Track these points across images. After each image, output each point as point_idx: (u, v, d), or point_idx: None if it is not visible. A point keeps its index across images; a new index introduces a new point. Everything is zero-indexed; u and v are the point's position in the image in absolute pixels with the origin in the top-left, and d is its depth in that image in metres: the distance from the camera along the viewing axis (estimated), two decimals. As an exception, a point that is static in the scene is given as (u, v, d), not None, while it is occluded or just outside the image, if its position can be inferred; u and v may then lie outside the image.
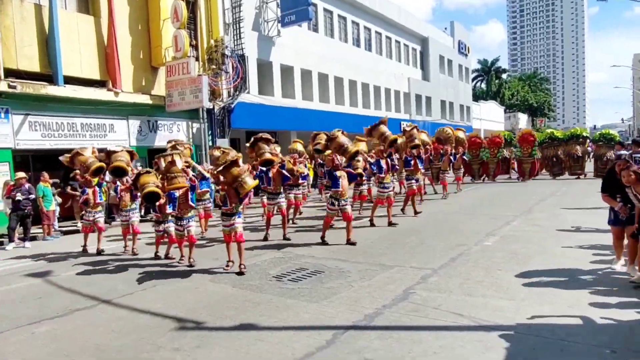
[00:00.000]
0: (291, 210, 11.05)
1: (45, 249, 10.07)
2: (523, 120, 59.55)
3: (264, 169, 8.94)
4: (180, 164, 7.36)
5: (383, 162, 10.37)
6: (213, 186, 9.68)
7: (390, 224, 10.14)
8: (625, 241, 5.84)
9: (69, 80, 12.73)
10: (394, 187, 10.71)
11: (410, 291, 5.53)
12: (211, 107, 16.53)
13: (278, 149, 10.65)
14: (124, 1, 14.40)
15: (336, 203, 8.41)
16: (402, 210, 11.62)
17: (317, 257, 7.61)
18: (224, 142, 17.28)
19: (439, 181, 16.12)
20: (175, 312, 5.22)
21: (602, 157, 19.43)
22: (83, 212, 9.53)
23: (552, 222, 9.78)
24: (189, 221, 7.42)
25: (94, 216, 9.19)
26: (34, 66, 12.18)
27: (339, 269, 6.79)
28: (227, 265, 6.91)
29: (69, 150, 13.55)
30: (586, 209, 11.16)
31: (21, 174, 10.85)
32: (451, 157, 15.92)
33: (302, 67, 21.97)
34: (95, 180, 9.12)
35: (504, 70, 72.55)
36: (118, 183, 9.10)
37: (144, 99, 14.84)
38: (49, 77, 12.36)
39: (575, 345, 3.89)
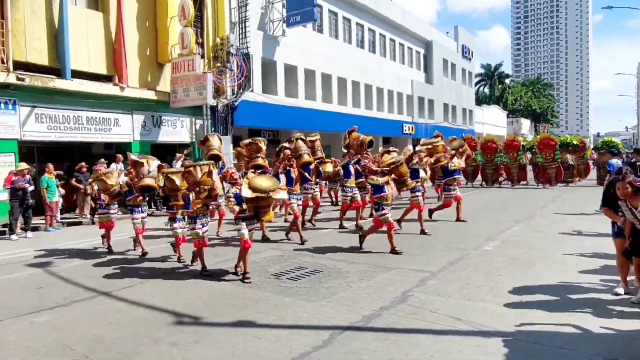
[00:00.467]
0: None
1: (47, 240, 10.20)
2: (526, 126, 59.60)
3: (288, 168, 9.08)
4: (216, 177, 6.92)
5: (352, 167, 10.30)
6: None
7: (357, 226, 10.20)
8: None
9: (76, 74, 12.89)
10: (355, 192, 10.20)
11: (409, 294, 5.53)
12: (215, 104, 16.67)
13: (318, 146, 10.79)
14: (132, -2, 14.57)
15: (386, 208, 7.77)
16: (429, 215, 11.06)
17: (316, 256, 7.66)
18: (226, 140, 17.44)
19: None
20: (174, 307, 5.27)
21: (605, 165, 19.50)
22: (97, 207, 9.28)
23: (553, 228, 9.78)
24: (203, 226, 6.84)
25: (108, 211, 8.71)
26: (43, 59, 12.35)
27: (337, 269, 6.82)
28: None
29: (73, 143, 13.88)
30: (587, 214, 11.30)
31: (23, 165, 11.02)
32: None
33: (306, 67, 22.10)
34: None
35: (507, 75, 72.62)
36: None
37: (149, 95, 15.01)
38: (57, 70, 12.53)
39: (573, 353, 3.87)
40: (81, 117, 13.32)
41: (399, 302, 5.24)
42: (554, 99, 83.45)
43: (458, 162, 10.78)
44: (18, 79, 11.50)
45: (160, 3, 15.27)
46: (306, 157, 9.50)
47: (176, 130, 16.21)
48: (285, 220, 10.80)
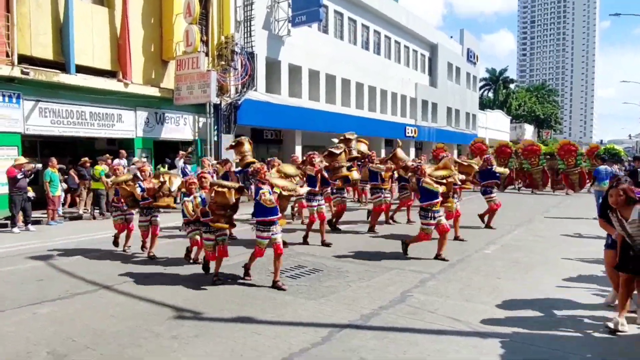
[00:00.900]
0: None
1: (48, 234, 10.24)
2: (529, 132, 59.46)
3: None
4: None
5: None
6: None
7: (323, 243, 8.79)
8: None
9: (81, 69, 12.93)
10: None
11: (408, 294, 5.57)
12: (218, 102, 16.70)
13: (364, 147, 10.85)
14: (138, -6, 14.62)
15: (431, 215, 7.30)
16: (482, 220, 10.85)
17: (316, 255, 7.68)
18: (229, 138, 17.47)
19: None
20: (174, 302, 5.29)
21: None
22: (114, 208, 8.40)
23: (553, 232, 9.82)
24: (225, 237, 6.31)
25: (123, 213, 8.16)
26: (48, 54, 12.39)
27: (337, 268, 6.85)
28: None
29: (76, 138, 13.91)
30: (586, 219, 11.30)
31: (22, 159, 11.05)
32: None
33: (311, 67, 22.11)
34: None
35: (512, 81, 72.41)
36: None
37: (153, 91, 15.03)
38: (61, 65, 12.57)
39: (570, 356, 3.91)
40: (85, 112, 13.35)
41: (398, 302, 5.28)
42: (558, 105, 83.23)
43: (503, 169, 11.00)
44: (22, 72, 11.55)
45: (165, 0, 15.32)
46: (344, 172, 9.31)
47: (179, 127, 16.24)
48: (302, 223, 10.63)
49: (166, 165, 14.24)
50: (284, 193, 6.09)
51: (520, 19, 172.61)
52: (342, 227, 10.45)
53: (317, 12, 19.26)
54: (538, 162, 20.57)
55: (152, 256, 7.65)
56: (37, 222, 11.44)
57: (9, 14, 11.44)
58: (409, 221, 11.23)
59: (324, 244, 8.54)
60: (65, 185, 12.79)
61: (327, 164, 8.88)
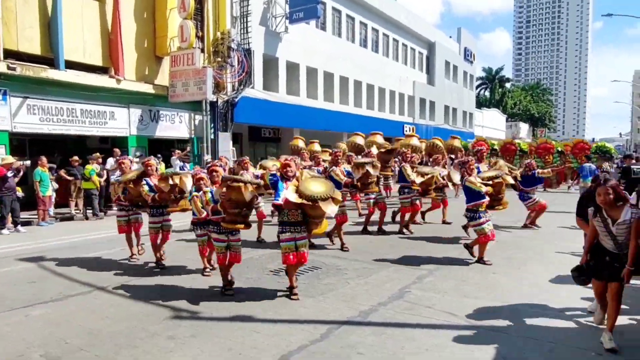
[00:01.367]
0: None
1: (39, 235, 9.91)
2: (524, 130, 59.20)
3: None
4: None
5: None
6: None
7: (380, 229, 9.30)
8: None
9: (71, 65, 12.33)
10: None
11: (406, 290, 5.56)
12: (215, 99, 16.14)
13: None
14: (130, -12, 13.99)
15: (478, 215, 6.85)
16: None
17: (315, 253, 7.39)
18: (226, 136, 16.92)
19: None
20: (171, 302, 5.13)
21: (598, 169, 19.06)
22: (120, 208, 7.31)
23: (548, 228, 9.83)
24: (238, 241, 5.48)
25: (127, 214, 7.20)
26: (35, 49, 11.77)
27: (336, 266, 6.77)
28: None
29: (67, 136, 13.30)
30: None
31: (10, 158, 10.49)
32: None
33: (308, 64, 21.59)
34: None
35: (508, 80, 72.27)
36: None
37: (147, 88, 14.44)
38: (50, 60, 11.95)
39: (563, 347, 3.97)
40: (75, 110, 12.74)
41: (395, 298, 5.27)
42: (552, 104, 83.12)
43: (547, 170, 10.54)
44: (9, 68, 10.95)
45: (159, -6, 14.72)
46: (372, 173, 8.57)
47: (174, 125, 15.66)
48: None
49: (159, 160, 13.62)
50: (306, 203, 5.00)
51: (516, 18, 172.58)
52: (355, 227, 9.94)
53: (314, 8, 18.73)
54: (552, 160, 20.37)
55: (162, 264, 6.77)
56: (27, 223, 11.02)
57: (-6, 7, 10.83)
58: (444, 222, 10.60)
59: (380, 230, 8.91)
60: (56, 185, 12.20)
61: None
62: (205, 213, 5.38)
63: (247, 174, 8.35)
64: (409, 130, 29.37)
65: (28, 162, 11.05)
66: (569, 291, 5.33)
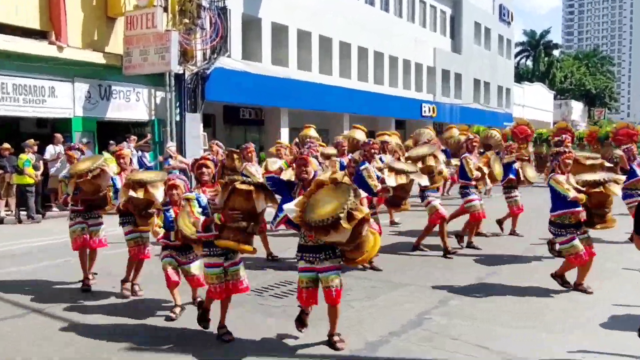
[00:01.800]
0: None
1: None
2: (577, 110, 59.69)
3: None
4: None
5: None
6: None
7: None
8: None
9: (0, 28, 12.65)
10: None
11: (425, 316, 5.56)
12: (181, 72, 16.50)
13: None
14: None
15: (566, 232, 6.43)
16: None
17: None
18: (195, 118, 17.28)
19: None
20: (131, 333, 5.20)
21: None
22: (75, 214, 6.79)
23: (618, 235, 9.39)
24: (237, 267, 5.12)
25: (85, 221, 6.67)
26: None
27: None
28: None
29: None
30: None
31: None
32: None
33: (299, 27, 21.91)
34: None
35: (556, 46, 72.76)
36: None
37: (96, 58, 14.80)
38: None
39: None
40: (6, 85, 13.08)
41: (412, 326, 5.26)
42: (614, 76, 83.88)
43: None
44: None
45: (111, -61, 15.07)
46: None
47: (130, 104, 16.03)
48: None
49: (110, 150, 13.95)
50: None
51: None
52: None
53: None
54: (599, 149, 20.97)
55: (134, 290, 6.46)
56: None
57: None
58: (513, 232, 10.38)
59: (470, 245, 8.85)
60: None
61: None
62: (162, 234, 5.35)
63: (252, 167, 8.37)
64: (429, 112, 29.79)
65: None
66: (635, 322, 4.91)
